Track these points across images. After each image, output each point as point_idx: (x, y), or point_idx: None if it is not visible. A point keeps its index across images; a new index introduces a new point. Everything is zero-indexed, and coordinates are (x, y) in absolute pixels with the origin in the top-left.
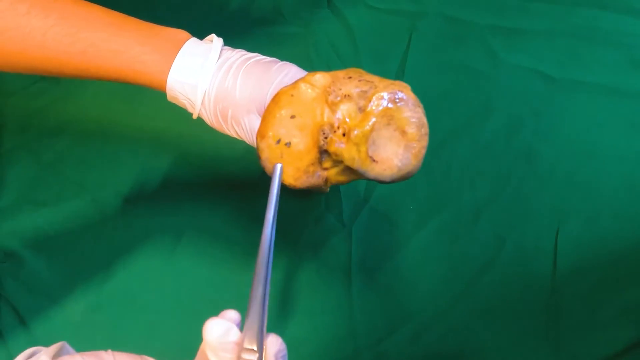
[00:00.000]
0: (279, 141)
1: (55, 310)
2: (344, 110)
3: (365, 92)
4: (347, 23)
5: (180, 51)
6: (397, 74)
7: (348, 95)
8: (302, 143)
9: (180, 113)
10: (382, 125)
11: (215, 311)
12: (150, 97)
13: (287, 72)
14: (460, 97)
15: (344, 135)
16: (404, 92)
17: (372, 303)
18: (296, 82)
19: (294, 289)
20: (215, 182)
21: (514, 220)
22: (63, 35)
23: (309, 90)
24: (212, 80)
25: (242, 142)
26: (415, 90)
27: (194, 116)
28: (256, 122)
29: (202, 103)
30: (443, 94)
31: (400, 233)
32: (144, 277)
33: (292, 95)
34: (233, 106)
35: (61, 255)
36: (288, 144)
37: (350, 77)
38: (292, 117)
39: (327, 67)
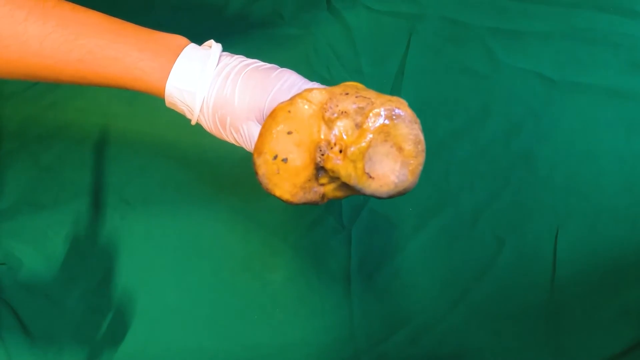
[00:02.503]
0: (275, 157)
1: (55, 311)
2: (341, 127)
3: (362, 108)
4: (347, 25)
5: (178, 58)
6: (396, 76)
7: (345, 112)
8: (298, 159)
9: (179, 116)
10: (379, 141)
11: (214, 312)
12: (149, 99)
13: (286, 79)
14: (460, 99)
15: (340, 151)
16: (400, 109)
17: (371, 305)
18: (293, 98)
19: (293, 290)
20: (215, 184)
21: (513, 222)
22: (61, 42)
23: (306, 107)
24: (211, 87)
25: (241, 147)
26: (414, 93)
27: (192, 122)
28: (255, 129)
29: (201, 110)
30: (442, 96)
31: (400, 235)
32: (143, 278)
33: (289, 112)
34: (231, 114)
35: (61, 256)
36: (285, 160)
37: (347, 94)
38: (289, 133)
39: (327, 69)
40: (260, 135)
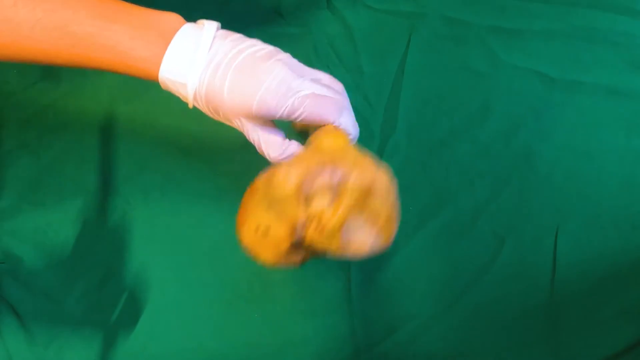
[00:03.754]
0: (257, 228)
1: (56, 310)
2: (317, 204)
3: (339, 183)
4: (347, 24)
5: (169, 47)
6: (396, 75)
7: (321, 188)
8: (279, 231)
9: (180, 114)
10: (355, 214)
11: (215, 310)
12: (150, 97)
13: (275, 75)
14: (460, 98)
15: (317, 226)
16: (377, 180)
17: (371, 303)
18: (272, 172)
19: (293, 289)
20: (216, 183)
21: (513, 220)
22: (51, 29)
23: (283, 184)
24: (201, 79)
25: (241, 140)
26: (414, 91)
27: (190, 106)
28: (247, 123)
29: (195, 99)
30: (442, 95)
31: (400, 233)
32: (144, 277)
33: (267, 188)
34: (222, 108)
35: (61, 255)
36: (266, 232)
37: (323, 166)
38: (269, 207)
39: (327, 68)
40: (242, 206)
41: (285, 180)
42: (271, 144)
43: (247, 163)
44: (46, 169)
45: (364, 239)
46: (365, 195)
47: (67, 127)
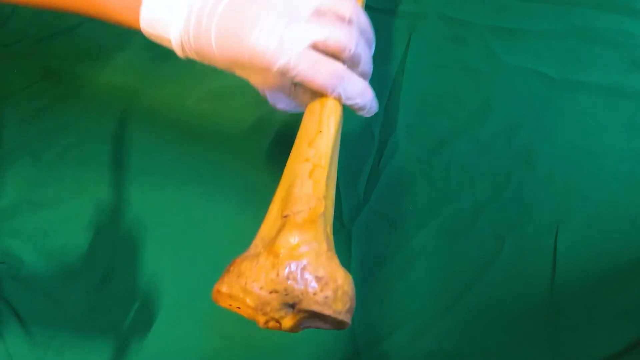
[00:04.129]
0: (230, 305)
1: (55, 311)
2: (273, 315)
3: (292, 305)
4: None
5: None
6: (396, 75)
7: (276, 309)
8: (247, 312)
9: (181, 113)
10: (309, 317)
11: (215, 310)
12: (151, 97)
13: (262, 26)
14: (460, 98)
15: (275, 324)
16: (324, 310)
17: (371, 303)
18: (230, 290)
19: None
20: (215, 183)
21: (513, 220)
22: None
23: (242, 308)
24: (185, 31)
25: (243, 140)
26: (414, 91)
27: (182, 57)
28: (248, 74)
29: (184, 51)
30: (443, 95)
31: (400, 233)
32: (144, 277)
33: (230, 303)
34: (216, 63)
35: (61, 255)
36: (239, 307)
37: (275, 292)
38: (235, 301)
39: None
40: (214, 294)
41: (241, 305)
42: (277, 95)
43: (249, 163)
44: (46, 169)
45: (320, 326)
46: (317, 316)
47: (67, 127)
